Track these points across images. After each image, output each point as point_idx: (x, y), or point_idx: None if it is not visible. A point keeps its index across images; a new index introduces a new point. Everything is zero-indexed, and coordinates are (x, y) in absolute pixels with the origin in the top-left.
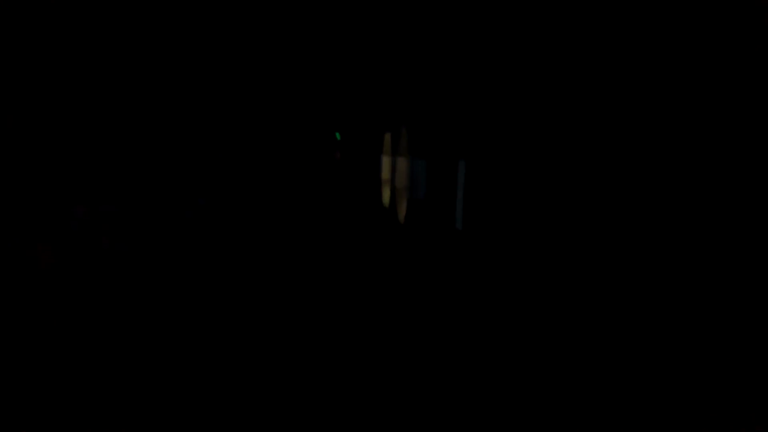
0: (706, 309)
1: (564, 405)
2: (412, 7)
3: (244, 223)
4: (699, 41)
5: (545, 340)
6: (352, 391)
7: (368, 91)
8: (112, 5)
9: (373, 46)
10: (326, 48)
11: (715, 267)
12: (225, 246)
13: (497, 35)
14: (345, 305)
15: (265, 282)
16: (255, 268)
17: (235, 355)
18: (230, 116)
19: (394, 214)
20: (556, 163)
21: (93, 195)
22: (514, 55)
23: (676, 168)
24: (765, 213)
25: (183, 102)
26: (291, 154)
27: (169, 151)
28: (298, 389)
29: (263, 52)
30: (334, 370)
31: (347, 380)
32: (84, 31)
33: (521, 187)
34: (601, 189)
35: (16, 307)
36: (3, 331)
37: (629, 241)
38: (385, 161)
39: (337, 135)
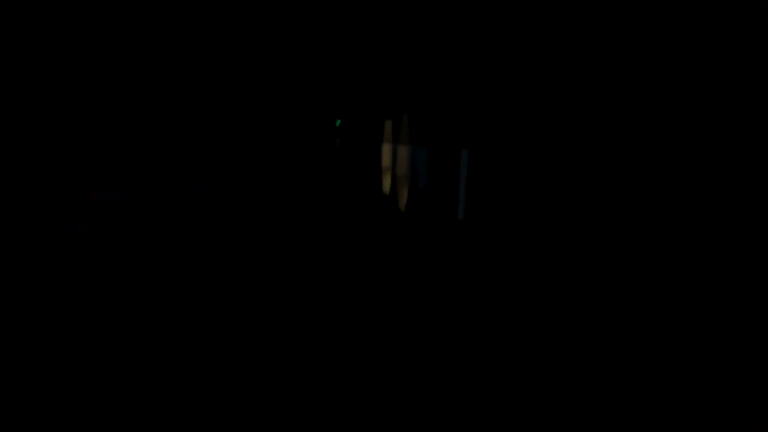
0: (706, 309)
1: (563, 404)
2: None
3: (243, 212)
4: (699, 41)
5: (546, 336)
6: (352, 387)
7: (369, 78)
8: (117, 4)
9: (373, 32)
10: (326, 36)
11: (715, 267)
12: (224, 235)
13: (501, 22)
14: (344, 296)
15: (265, 271)
16: (254, 257)
17: (234, 347)
18: (230, 104)
19: (394, 203)
20: (560, 152)
21: (99, 182)
22: (519, 44)
23: (676, 163)
24: (765, 212)
25: (184, 88)
26: (291, 141)
27: (172, 139)
28: (295, 383)
29: (263, 40)
30: (333, 363)
31: (347, 375)
32: (84, 28)
33: (525, 176)
34: (604, 180)
35: (16, 294)
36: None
37: (630, 235)
38: (386, 149)
39: (337, 122)
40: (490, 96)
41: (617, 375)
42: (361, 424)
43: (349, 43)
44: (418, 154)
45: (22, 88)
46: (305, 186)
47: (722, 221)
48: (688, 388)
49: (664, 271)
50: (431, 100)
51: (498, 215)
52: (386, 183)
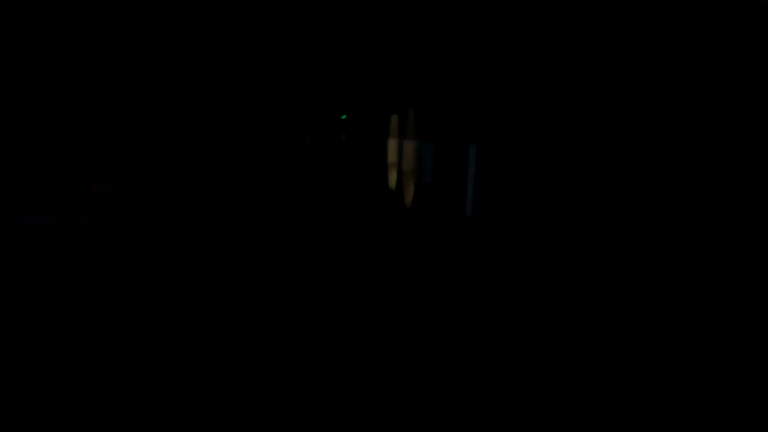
0: (707, 309)
1: (563, 404)
2: None
3: (248, 206)
4: (699, 41)
5: (552, 335)
6: (354, 384)
7: (375, 73)
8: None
9: (379, 28)
10: (332, 32)
11: (715, 267)
12: (227, 229)
13: (511, 14)
14: (348, 292)
15: (269, 266)
16: (259, 252)
17: (236, 341)
18: (236, 100)
19: (400, 199)
20: (569, 148)
21: (104, 174)
22: (528, 39)
23: (675, 162)
24: (765, 212)
25: (193, 84)
26: (297, 135)
27: (178, 130)
28: (299, 379)
29: (269, 34)
30: (337, 361)
31: (351, 373)
32: (87, 31)
33: (534, 172)
34: (612, 177)
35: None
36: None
37: (639, 233)
38: (392, 144)
39: (343, 116)
40: (498, 90)
41: (618, 375)
42: (371, 421)
43: (355, 38)
44: (424, 149)
45: (25, 86)
46: (311, 181)
47: (722, 221)
48: (688, 388)
49: (667, 270)
50: (438, 94)
51: (506, 212)
52: (392, 178)
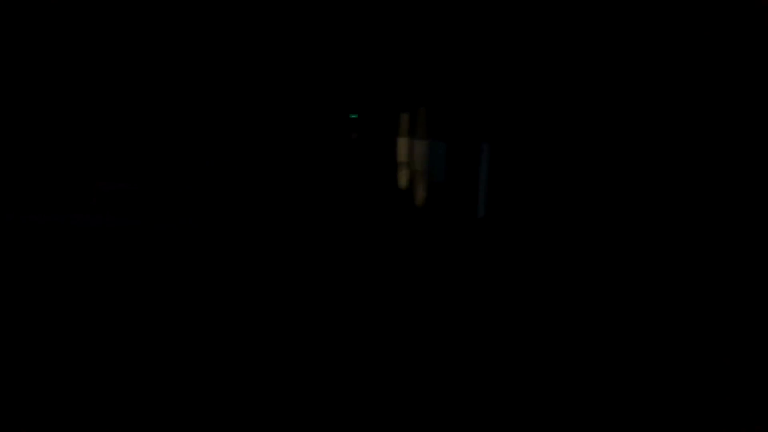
0: (707, 309)
1: (562, 403)
2: None
3: (256, 204)
4: (699, 41)
5: (562, 338)
6: (364, 384)
7: (385, 70)
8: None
9: (388, 25)
10: (341, 30)
11: (715, 267)
12: (235, 228)
13: (526, 9)
14: (357, 293)
15: (279, 266)
16: (268, 252)
17: (242, 340)
18: (245, 99)
19: (411, 198)
20: (582, 148)
21: (109, 172)
22: (543, 37)
23: (680, 160)
24: (765, 212)
25: (199, 78)
26: (307, 134)
27: (189, 125)
28: (308, 376)
29: (279, 31)
30: (344, 361)
31: (358, 372)
32: (93, 33)
33: (549, 172)
34: (625, 177)
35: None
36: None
37: (653, 233)
38: (403, 143)
39: (353, 115)
40: (510, 88)
41: (618, 374)
42: (384, 419)
43: (365, 36)
44: (436, 148)
45: (29, 85)
46: (321, 180)
47: (723, 221)
48: (688, 388)
49: (666, 272)
50: (450, 92)
51: (521, 213)
52: (403, 178)
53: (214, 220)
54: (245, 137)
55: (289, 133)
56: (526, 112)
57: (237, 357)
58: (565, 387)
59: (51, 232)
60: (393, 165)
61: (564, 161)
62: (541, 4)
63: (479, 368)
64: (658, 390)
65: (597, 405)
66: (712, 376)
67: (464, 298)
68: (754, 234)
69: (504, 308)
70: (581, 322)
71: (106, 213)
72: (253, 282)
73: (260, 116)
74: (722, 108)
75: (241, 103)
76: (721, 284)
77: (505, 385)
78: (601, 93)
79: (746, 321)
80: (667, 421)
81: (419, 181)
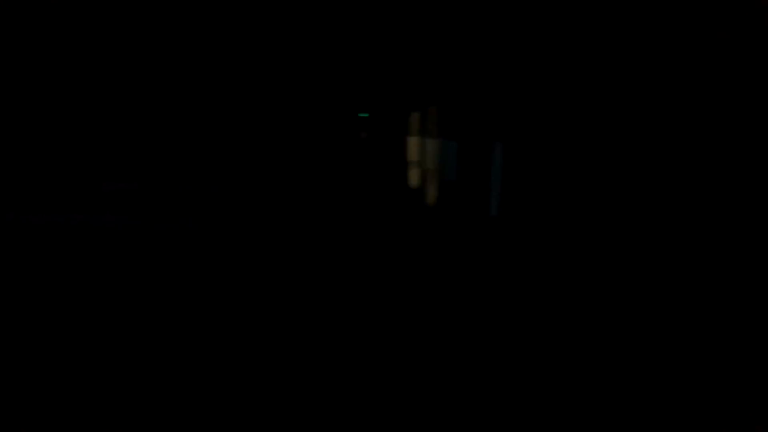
0: (706, 309)
1: (560, 403)
2: None
3: (268, 202)
4: (699, 41)
5: (575, 342)
6: (375, 384)
7: (395, 68)
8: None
9: (401, 26)
10: (352, 26)
11: (715, 267)
12: (249, 225)
13: (536, 9)
14: (368, 292)
15: (290, 265)
16: (280, 251)
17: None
18: (256, 94)
19: (423, 197)
20: (597, 146)
21: (117, 173)
22: (556, 33)
23: (694, 163)
24: (765, 212)
25: (213, 75)
26: (317, 133)
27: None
28: (320, 372)
29: (290, 31)
30: (354, 360)
31: (368, 373)
32: (102, 36)
33: (561, 170)
34: (640, 176)
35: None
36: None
37: (670, 233)
38: (415, 142)
39: (364, 114)
40: (522, 87)
41: (619, 374)
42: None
43: (378, 36)
44: (447, 147)
45: (37, 87)
46: (331, 179)
47: (721, 221)
48: (689, 388)
49: (667, 272)
50: (462, 90)
51: (536, 212)
52: (415, 177)
53: (231, 219)
54: (259, 138)
55: (304, 133)
56: (538, 110)
57: (252, 353)
58: (572, 384)
59: (54, 231)
60: (405, 164)
61: (576, 160)
62: (553, 4)
63: (486, 367)
64: (658, 390)
65: (598, 404)
66: (712, 376)
67: (476, 297)
68: (754, 234)
69: (517, 308)
70: (590, 320)
71: (109, 213)
72: (266, 280)
73: (276, 118)
74: (740, 109)
75: (256, 104)
76: (721, 285)
77: (512, 382)
78: (614, 92)
79: (747, 321)
80: (667, 421)
81: (431, 180)
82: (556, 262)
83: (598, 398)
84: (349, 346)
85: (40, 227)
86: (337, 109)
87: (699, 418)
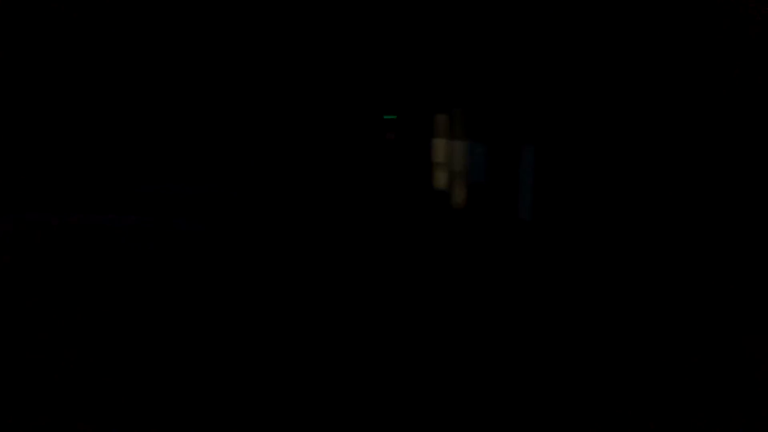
0: (706, 309)
1: (560, 403)
2: None
3: (295, 203)
4: (699, 41)
5: (608, 343)
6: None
7: (424, 70)
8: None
9: (428, 25)
10: (381, 28)
11: (715, 267)
12: (277, 226)
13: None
14: (397, 294)
15: (317, 265)
16: (308, 250)
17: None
18: (282, 96)
19: (448, 200)
20: (632, 148)
21: (162, 176)
22: (588, 33)
23: (676, 166)
24: (765, 212)
25: (240, 78)
26: (345, 134)
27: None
28: (338, 369)
29: (314, 33)
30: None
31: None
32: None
33: (593, 173)
34: (676, 179)
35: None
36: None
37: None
38: (441, 144)
39: (391, 116)
40: (553, 88)
41: (619, 374)
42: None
43: (407, 38)
44: (476, 149)
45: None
46: (363, 182)
47: (721, 220)
48: (688, 388)
49: (667, 272)
50: (491, 92)
51: (569, 216)
52: (443, 179)
53: (266, 219)
54: (288, 141)
55: (335, 136)
56: (567, 113)
57: (287, 350)
58: (596, 381)
59: (85, 230)
60: (433, 166)
61: (605, 163)
62: (581, 7)
63: (513, 367)
64: (660, 389)
65: (596, 405)
66: (712, 376)
67: (503, 300)
68: (755, 234)
69: (547, 311)
70: (612, 323)
71: (138, 213)
72: (300, 279)
73: (306, 121)
74: (722, 108)
75: (286, 108)
76: (721, 285)
77: (538, 382)
78: (644, 96)
79: (746, 321)
80: (667, 421)
81: (459, 183)
82: (585, 266)
83: (600, 396)
84: (377, 347)
85: (78, 227)
86: (367, 112)
87: (699, 418)
